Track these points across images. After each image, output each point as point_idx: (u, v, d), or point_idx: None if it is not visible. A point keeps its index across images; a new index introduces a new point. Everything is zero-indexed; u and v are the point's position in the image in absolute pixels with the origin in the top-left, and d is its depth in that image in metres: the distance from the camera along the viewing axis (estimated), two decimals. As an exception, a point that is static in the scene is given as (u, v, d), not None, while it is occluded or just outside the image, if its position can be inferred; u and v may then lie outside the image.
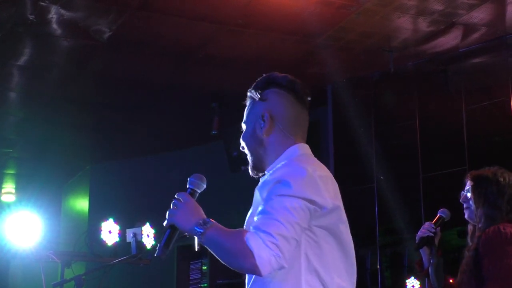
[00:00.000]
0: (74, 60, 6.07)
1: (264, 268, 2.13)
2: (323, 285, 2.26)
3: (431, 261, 3.53)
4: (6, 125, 7.62)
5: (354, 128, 6.26)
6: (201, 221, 2.29)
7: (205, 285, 7.47)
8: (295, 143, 2.44)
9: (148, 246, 6.20)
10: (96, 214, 8.00)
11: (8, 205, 9.15)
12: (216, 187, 7.96)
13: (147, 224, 6.29)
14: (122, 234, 6.30)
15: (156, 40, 5.74)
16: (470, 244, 3.58)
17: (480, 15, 5.33)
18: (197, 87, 6.71)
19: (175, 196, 2.41)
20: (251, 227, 2.20)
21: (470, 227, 3.63)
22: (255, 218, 2.22)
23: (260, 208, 2.25)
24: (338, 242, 2.31)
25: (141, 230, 6.12)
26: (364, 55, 5.95)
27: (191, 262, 7.72)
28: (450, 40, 5.77)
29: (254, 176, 2.50)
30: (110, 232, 6.34)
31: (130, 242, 5.93)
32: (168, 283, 7.72)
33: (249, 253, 2.14)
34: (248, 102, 2.57)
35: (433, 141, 6.07)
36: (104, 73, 6.33)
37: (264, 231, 2.15)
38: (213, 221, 2.30)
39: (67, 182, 9.54)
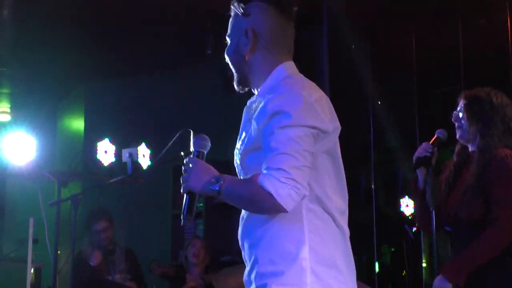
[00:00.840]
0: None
1: (287, 204, 2.15)
2: (323, 208, 2.28)
3: (428, 181, 3.56)
4: (-1, 43, 7.55)
5: (350, 47, 6.22)
6: (213, 180, 2.27)
7: (201, 205, 7.54)
8: (281, 62, 2.39)
9: (144, 166, 6.24)
10: (92, 134, 8.01)
11: (4, 124, 9.14)
12: (212, 106, 8.00)
13: (143, 144, 6.31)
14: (117, 154, 6.33)
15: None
16: (455, 159, 3.63)
17: None
18: (191, 5, 6.63)
19: (184, 162, 2.39)
20: (263, 168, 2.20)
21: (458, 147, 3.67)
22: (264, 161, 2.21)
23: (261, 144, 2.26)
24: (333, 162, 2.32)
25: (137, 150, 6.13)
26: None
27: (187, 182, 7.76)
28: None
29: (240, 91, 2.52)
30: (106, 152, 6.36)
31: (126, 162, 5.95)
32: (164, 203, 7.80)
33: (267, 195, 2.15)
34: (232, 14, 2.48)
35: (429, 59, 6.04)
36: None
37: (276, 169, 2.16)
38: (225, 175, 2.30)
39: (62, 101, 9.51)
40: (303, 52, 7.10)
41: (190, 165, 2.35)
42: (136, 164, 5.96)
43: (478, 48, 5.81)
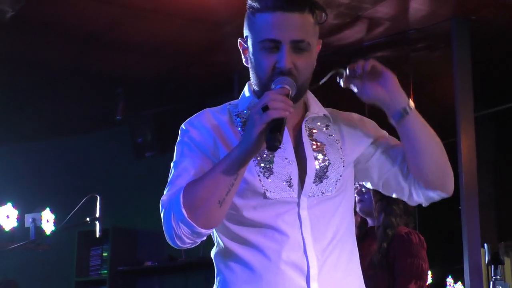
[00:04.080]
0: (-27, 39, 5.89)
1: None
2: None
3: None
4: None
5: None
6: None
7: (105, 272, 7.39)
8: None
9: (48, 232, 6.09)
10: (-6, 199, 7.80)
11: None
12: (121, 174, 7.90)
13: (47, 209, 6.18)
14: (20, 219, 6.17)
15: (60, 22, 5.63)
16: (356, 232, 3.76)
17: (384, 10, 5.44)
18: (101, 71, 6.62)
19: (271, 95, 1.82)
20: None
21: (358, 219, 3.81)
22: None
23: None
24: None
25: (41, 216, 6.01)
26: (271, 44, 5.99)
27: (91, 249, 7.62)
28: (355, 33, 5.87)
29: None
30: (8, 217, 6.20)
31: (28, 228, 5.82)
32: (68, 269, 7.61)
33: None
34: (305, 16, 1.96)
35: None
36: (5, 53, 6.17)
37: None
38: None
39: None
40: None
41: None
42: (39, 230, 5.83)
43: (383, 121, 5.98)
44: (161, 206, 1.92)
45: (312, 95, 2.13)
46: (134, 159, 7.33)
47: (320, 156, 2.00)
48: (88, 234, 6.99)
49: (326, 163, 2.00)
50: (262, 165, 1.95)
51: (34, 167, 8.29)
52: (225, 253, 1.99)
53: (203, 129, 2.00)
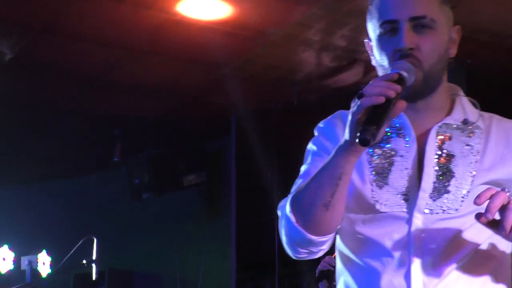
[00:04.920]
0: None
1: None
2: None
3: None
4: None
5: (257, 158, 6.31)
6: None
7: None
8: None
9: (44, 274, 6.06)
10: (-10, 241, 7.76)
11: None
12: (118, 215, 7.87)
13: (44, 252, 6.15)
14: (17, 262, 6.15)
15: (59, 64, 5.65)
16: None
17: (381, 53, 5.47)
18: (100, 113, 6.63)
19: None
20: None
21: None
22: None
23: None
24: None
25: (37, 258, 5.98)
26: (269, 87, 6.02)
27: (87, 291, 7.55)
28: (352, 76, 5.90)
29: (412, 101, 1.77)
30: (4, 259, 6.17)
31: (25, 270, 5.78)
32: (63, 312, 7.53)
33: None
34: None
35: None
36: (3, 95, 6.19)
37: None
38: None
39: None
40: (212, 160, 7.16)
41: None
42: (35, 272, 5.80)
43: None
44: (278, 211, 1.81)
45: (466, 100, 1.88)
46: (131, 201, 7.30)
47: (442, 167, 1.74)
48: (84, 276, 6.93)
49: (448, 176, 1.74)
50: (375, 172, 1.77)
51: (31, 209, 8.26)
52: (339, 269, 1.84)
53: (331, 133, 1.88)
